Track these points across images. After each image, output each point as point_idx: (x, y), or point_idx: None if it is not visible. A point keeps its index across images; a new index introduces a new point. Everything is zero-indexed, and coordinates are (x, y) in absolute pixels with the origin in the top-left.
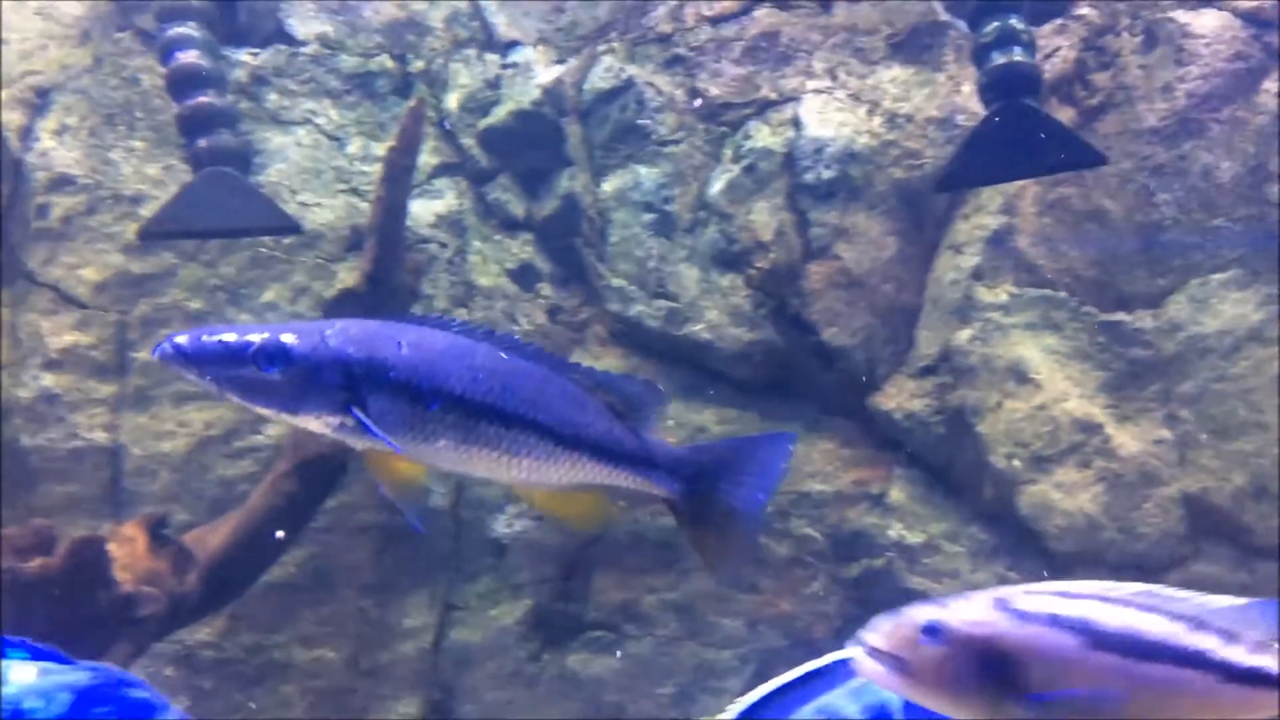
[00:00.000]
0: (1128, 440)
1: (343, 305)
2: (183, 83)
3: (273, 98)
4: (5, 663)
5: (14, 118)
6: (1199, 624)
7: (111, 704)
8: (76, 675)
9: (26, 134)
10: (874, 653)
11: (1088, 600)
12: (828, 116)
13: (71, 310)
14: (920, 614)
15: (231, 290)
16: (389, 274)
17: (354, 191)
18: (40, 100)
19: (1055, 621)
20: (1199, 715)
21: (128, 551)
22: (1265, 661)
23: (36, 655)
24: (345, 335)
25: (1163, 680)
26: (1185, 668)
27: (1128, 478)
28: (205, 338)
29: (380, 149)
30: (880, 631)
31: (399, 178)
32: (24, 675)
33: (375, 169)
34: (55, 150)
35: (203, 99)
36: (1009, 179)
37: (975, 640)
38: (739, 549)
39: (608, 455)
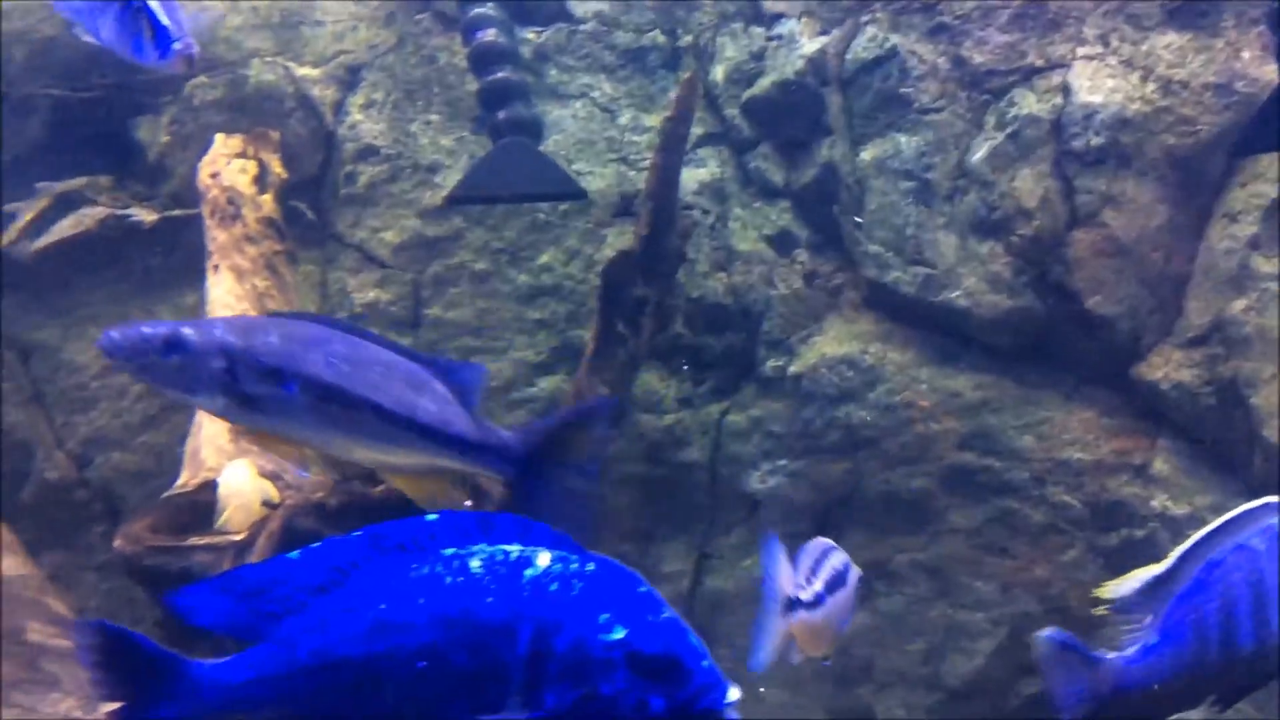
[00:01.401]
0: None
1: (620, 267)
2: (484, 59)
3: (553, 73)
4: (532, 549)
5: (328, 93)
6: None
7: (616, 597)
8: (588, 566)
9: (338, 108)
10: None
11: None
12: (1098, 83)
13: (373, 269)
14: None
15: (512, 252)
16: (662, 237)
17: (624, 161)
18: (351, 77)
19: None
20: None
21: None
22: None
23: (553, 543)
24: (230, 327)
25: None
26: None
27: None
28: (129, 330)
29: (650, 120)
30: None
31: (674, 146)
32: (543, 560)
33: (644, 139)
34: (363, 123)
35: (501, 74)
36: None
37: None
38: (575, 522)
39: (438, 439)
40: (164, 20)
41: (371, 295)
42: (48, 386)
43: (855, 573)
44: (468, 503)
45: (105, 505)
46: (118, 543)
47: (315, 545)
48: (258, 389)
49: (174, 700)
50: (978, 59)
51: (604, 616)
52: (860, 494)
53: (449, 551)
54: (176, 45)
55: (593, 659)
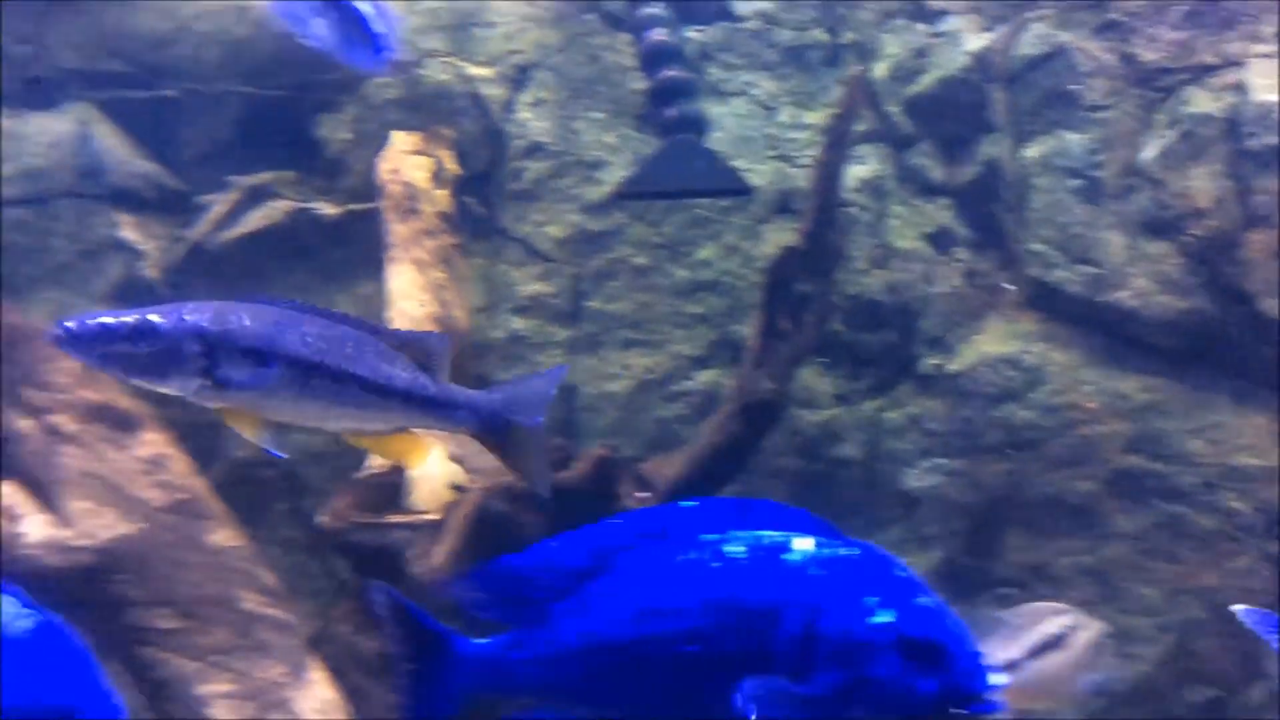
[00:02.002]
0: None
1: (785, 262)
2: (653, 58)
3: (714, 71)
4: (791, 534)
5: (498, 92)
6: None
7: (879, 581)
8: (850, 550)
9: (507, 106)
10: None
11: None
12: (1275, 82)
13: (537, 262)
14: None
15: (671, 247)
16: (824, 233)
17: (783, 158)
18: (520, 76)
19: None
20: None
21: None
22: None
23: (812, 528)
24: (199, 312)
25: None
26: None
27: None
28: (87, 321)
29: (809, 118)
30: None
31: (838, 143)
32: (805, 545)
33: (804, 136)
34: (531, 121)
35: (670, 72)
36: None
37: None
38: (536, 460)
39: (413, 400)
40: (376, 27)
41: (535, 288)
42: None
43: (1085, 635)
44: (645, 495)
45: (288, 484)
46: (323, 519)
47: (576, 531)
48: (237, 371)
49: (447, 674)
50: (1148, 56)
51: (871, 600)
52: (1020, 495)
53: (710, 537)
54: (386, 49)
55: (861, 643)
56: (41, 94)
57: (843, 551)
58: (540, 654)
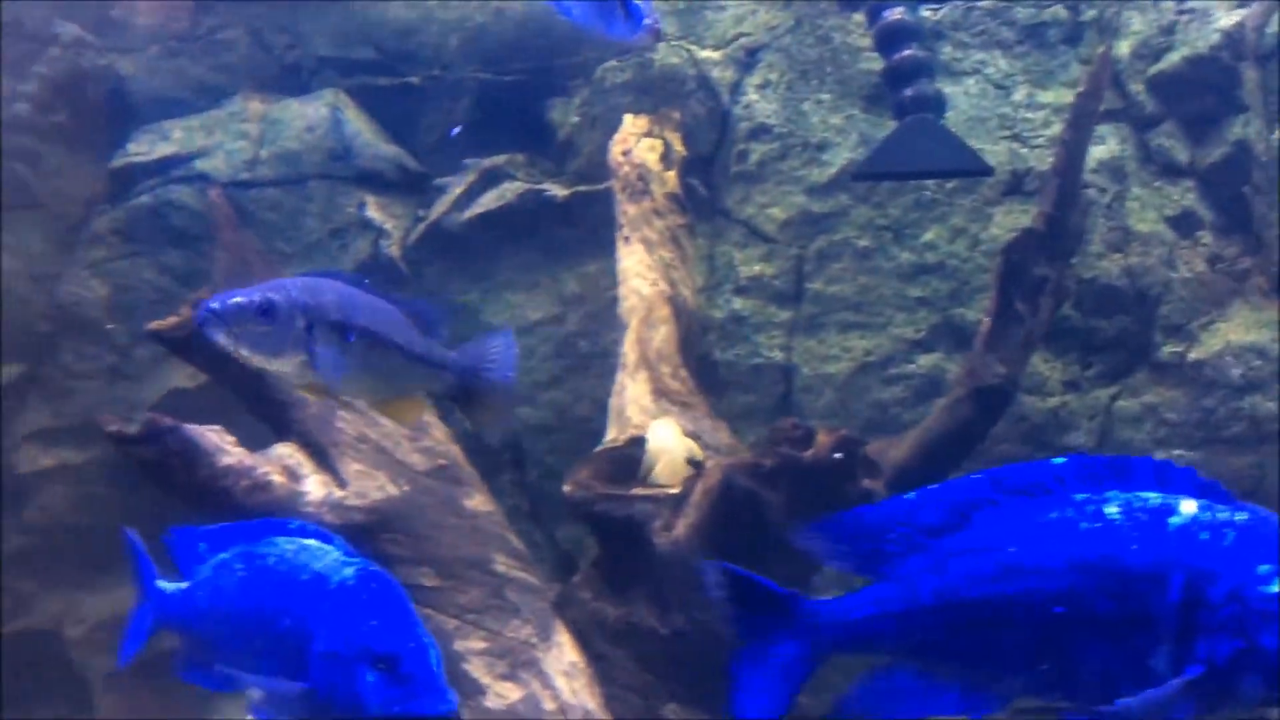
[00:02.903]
0: None
1: (1023, 244)
2: (890, 37)
3: (947, 50)
4: (1174, 497)
5: (726, 75)
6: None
7: (1272, 548)
8: (1240, 514)
9: (735, 89)
10: None
11: None
12: None
13: (759, 244)
14: None
15: (896, 229)
16: (1067, 216)
17: (1016, 138)
18: (748, 59)
19: None
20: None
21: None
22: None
23: (1197, 491)
24: (297, 288)
25: None
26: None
27: None
28: (227, 301)
29: (1045, 97)
30: None
31: (1083, 123)
32: (1190, 507)
33: (1039, 116)
34: (758, 103)
35: (907, 51)
36: None
37: None
38: (501, 414)
39: (429, 363)
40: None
41: (756, 269)
42: None
43: None
44: (873, 481)
45: (512, 456)
46: (568, 489)
47: (933, 487)
48: (326, 344)
49: (794, 636)
50: None
51: (1264, 568)
52: (1265, 489)
53: (1081, 496)
54: (647, 20)
55: (1253, 610)
56: (297, 80)
57: (1230, 516)
58: (892, 611)
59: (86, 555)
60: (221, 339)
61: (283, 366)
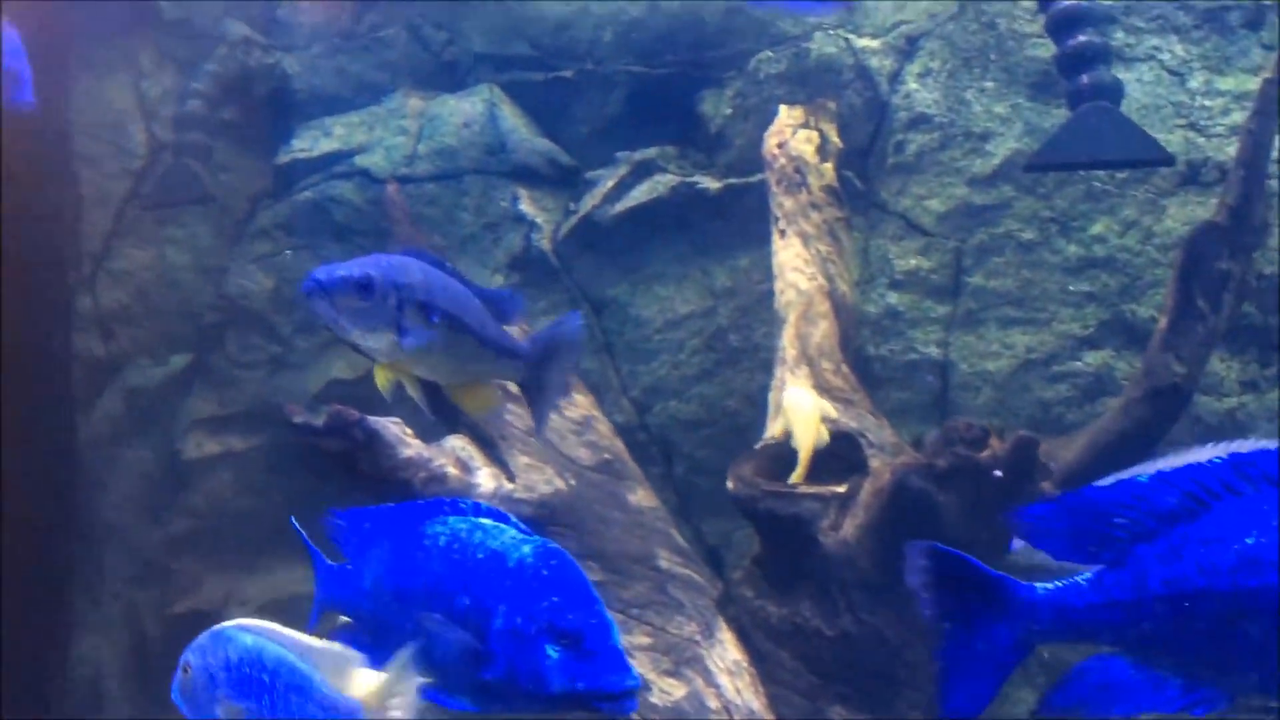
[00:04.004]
0: None
1: (1205, 238)
2: (1065, 23)
3: (1119, 35)
4: None
5: (886, 64)
6: None
7: None
8: None
9: (894, 78)
10: None
11: None
12: None
13: (916, 237)
14: None
15: (1062, 222)
16: (1251, 208)
17: (1192, 126)
18: (909, 47)
19: None
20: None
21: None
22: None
23: None
24: (388, 266)
25: None
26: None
27: None
28: (332, 273)
29: (1224, 84)
30: None
31: (1271, 110)
32: None
33: (1217, 104)
34: (917, 92)
35: (1083, 37)
36: None
37: None
38: (555, 405)
39: (502, 350)
40: None
41: (912, 263)
42: (616, 338)
43: None
44: (1046, 484)
45: (660, 449)
46: (731, 484)
47: (1169, 470)
48: (413, 323)
49: (1008, 621)
50: None
51: None
52: None
53: None
54: None
55: None
56: (454, 77)
57: None
58: (1118, 599)
59: (248, 539)
60: (324, 309)
61: (374, 342)
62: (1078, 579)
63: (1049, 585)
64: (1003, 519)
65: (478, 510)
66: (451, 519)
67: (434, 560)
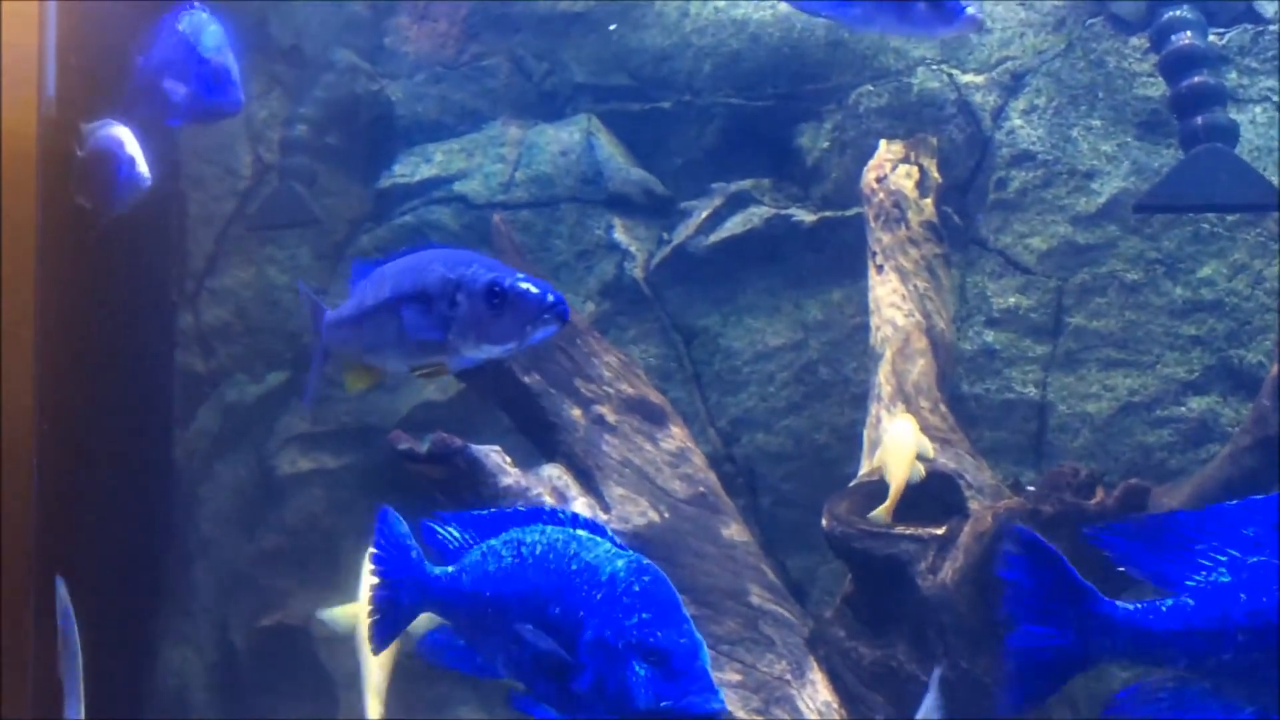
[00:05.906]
0: None
1: None
2: (1179, 63)
3: (1232, 76)
4: None
5: (990, 99)
6: None
7: None
8: None
9: (998, 114)
10: None
11: None
12: None
13: (1015, 275)
14: None
15: (1169, 264)
16: None
17: None
18: (1014, 83)
19: None
20: None
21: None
22: None
23: None
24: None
25: None
26: None
27: None
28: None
29: None
30: None
31: None
32: None
33: None
34: (1021, 129)
35: (1198, 78)
36: None
37: None
38: None
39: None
40: None
41: (1011, 301)
42: (705, 369)
43: None
44: None
45: (746, 480)
46: (826, 522)
47: (1258, 500)
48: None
49: (1079, 632)
50: None
51: None
52: None
53: None
54: (969, 9)
55: None
56: (553, 106)
57: None
58: (1199, 627)
59: (337, 556)
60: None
61: (431, 350)
62: (1159, 603)
63: (1129, 605)
64: (1086, 535)
65: (575, 521)
66: (549, 529)
67: (529, 568)
